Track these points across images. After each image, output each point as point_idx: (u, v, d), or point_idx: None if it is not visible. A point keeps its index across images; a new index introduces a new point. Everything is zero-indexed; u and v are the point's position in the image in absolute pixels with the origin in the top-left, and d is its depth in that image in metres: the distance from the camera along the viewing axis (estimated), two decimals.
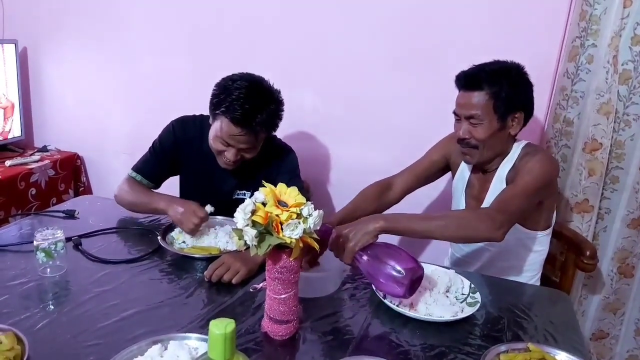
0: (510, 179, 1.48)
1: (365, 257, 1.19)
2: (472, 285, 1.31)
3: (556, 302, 1.33)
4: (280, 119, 1.59)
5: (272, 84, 1.58)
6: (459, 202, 1.66)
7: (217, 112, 1.52)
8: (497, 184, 1.52)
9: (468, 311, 1.22)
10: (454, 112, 1.51)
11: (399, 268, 1.16)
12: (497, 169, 1.54)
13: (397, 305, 1.23)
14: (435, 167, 1.72)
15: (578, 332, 1.23)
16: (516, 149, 1.53)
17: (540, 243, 1.58)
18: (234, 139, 1.52)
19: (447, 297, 1.28)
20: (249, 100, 1.48)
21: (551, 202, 1.56)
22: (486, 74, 1.44)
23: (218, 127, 1.53)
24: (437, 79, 1.96)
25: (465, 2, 1.89)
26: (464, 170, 1.65)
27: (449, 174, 1.77)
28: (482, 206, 1.53)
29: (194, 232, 1.50)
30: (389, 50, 2.02)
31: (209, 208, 1.51)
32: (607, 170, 1.80)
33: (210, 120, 1.59)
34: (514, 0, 1.84)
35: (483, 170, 1.58)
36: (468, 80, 1.46)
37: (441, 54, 1.95)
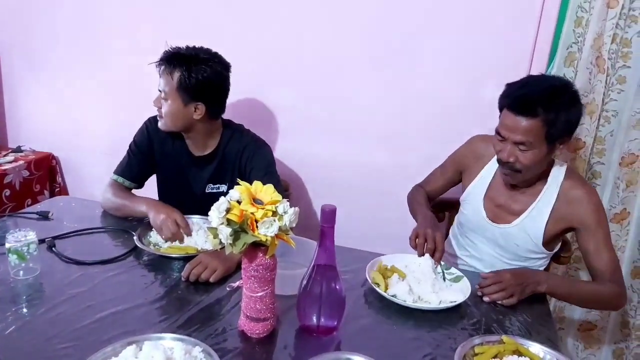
0: (562, 216, 1.44)
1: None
2: (443, 263, 1.40)
3: (532, 297, 1.34)
4: None
5: None
6: (477, 208, 1.57)
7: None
8: (542, 207, 1.46)
9: (457, 289, 1.31)
10: (498, 132, 1.39)
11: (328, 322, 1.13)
12: (532, 185, 1.49)
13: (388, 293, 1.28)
14: (451, 184, 1.72)
15: (552, 326, 1.26)
16: (557, 173, 1.47)
17: (549, 256, 1.59)
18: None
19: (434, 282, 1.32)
20: None
21: None
22: (542, 99, 1.31)
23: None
24: (412, 79, 1.98)
25: (440, 2, 1.90)
26: (485, 177, 1.58)
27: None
28: (515, 221, 1.50)
29: (171, 239, 1.48)
30: (366, 50, 2.02)
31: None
32: (589, 166, 1.86)
33: None
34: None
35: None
36: (522, 104, 1.33)
37: (416, 54, 1.95)
